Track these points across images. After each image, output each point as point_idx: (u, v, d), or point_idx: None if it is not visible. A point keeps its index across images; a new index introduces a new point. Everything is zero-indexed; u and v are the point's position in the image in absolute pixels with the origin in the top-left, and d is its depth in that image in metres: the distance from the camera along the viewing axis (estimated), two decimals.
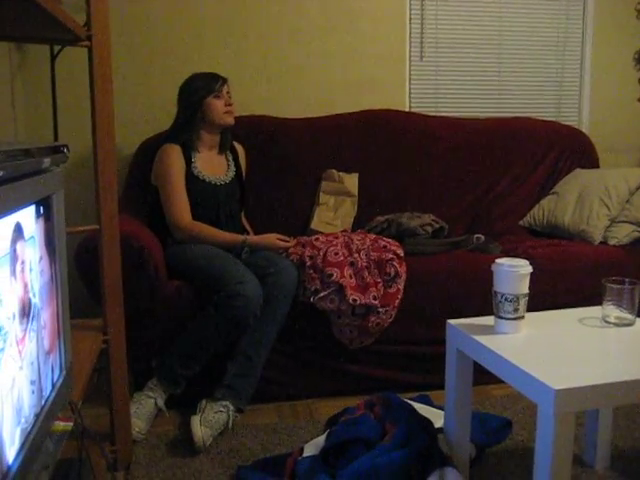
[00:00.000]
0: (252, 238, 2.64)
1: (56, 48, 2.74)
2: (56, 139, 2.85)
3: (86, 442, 1.35)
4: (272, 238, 2.60)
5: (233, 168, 2.81)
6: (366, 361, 2.58)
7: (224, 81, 2.71)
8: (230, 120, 2.71)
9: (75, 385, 1.44)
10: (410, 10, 3.50)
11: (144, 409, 2.28)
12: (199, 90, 2.66)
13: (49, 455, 1.09)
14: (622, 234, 2.97)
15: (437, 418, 2.08)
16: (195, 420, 2.20)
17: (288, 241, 2.61)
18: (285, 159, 3.14)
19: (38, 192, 1.07)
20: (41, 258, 1.10)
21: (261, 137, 3.12)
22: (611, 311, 1.87)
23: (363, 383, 2.58)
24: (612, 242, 2.96)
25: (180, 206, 2.57)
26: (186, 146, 2.66)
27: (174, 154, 2.62)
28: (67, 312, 1.28)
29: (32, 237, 1.05)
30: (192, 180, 2.64)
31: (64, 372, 1.25)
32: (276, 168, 3.13)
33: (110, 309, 1.93)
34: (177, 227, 2.55)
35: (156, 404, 2.31)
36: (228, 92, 2.72)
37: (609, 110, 3.82)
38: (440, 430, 1.99)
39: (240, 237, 2.60)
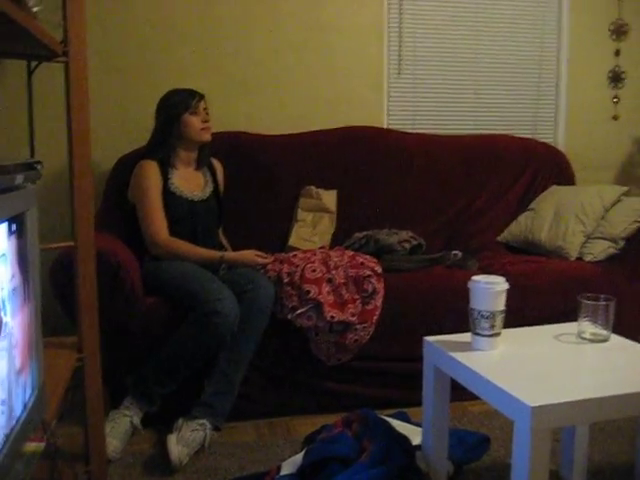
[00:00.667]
0: (230, 254, 2.63)
1: (33, 64, 2.73)
2: (32, 155, 2.83)
3: (59, 462, 1.33)
4: (250, 254, 2.59)
5: (211, 184, 2.81)
6: (344, 378, 2.57)
7: (201, 97, 2.71)
8: (207, 137, 2.71)
9: (48, 404, 1.41)
10: (388, 26, 3.53)
11: (120, 428, 2.25)
12: (176, 106, 2.66)
13: (19, 477, 1.07)
14: (597, 250, 3.00)
15: (415, 435, 2.08)
16: (171, 439, 2.17)
17: (266, 257, 2.60)
18: (263, 175, 3.14)
19: (10, 209, 1.06)
20: (13, 276, 1.09)
21: (239, 153, 3.12)
22: (586, 327, 1.88)
23: (341, 400, 2.57)
24: (588, 258, 2.99)
25: (157, 222, 2.56)
26: (163, 162, 2.65)
27: (151, 170, 2.62)
28: (40, 330, 1.27)
29: (4, 255, 1.03)
30: (169, 197, 2.63)
31: (36, 391, 1.23)
32: (254, 184, 3.12)
33: (85, 327, 1.90)
34: (154, 243, 2.54)
35: (132, 422, 2.28)
36: (205, 108, 2.72)
37: (584, 128, 3.87)
38: (418, 447, 1.99)
39: (218, 253, 2.59)
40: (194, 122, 2.67)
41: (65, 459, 1.44)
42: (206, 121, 2.70)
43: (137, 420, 2.30)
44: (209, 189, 2.79)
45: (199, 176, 2.79)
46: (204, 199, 2.74)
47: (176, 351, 2.30)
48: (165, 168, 2.65)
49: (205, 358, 2.33)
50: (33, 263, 1.21)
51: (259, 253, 2.60)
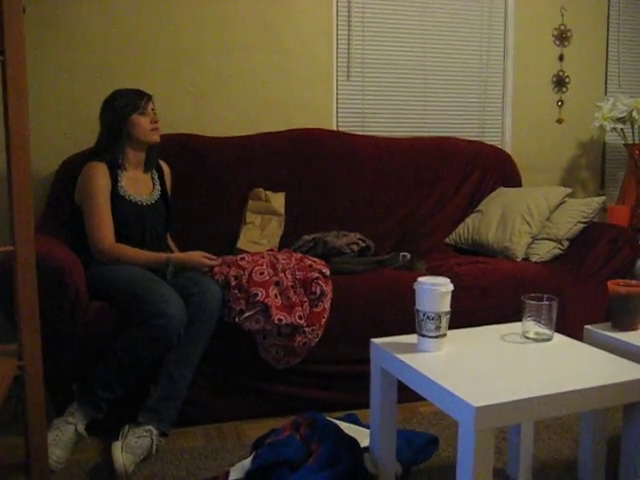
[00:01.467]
0: (176, 255, 2.60)
1: None
2: None
3: None
4: (197, 256, 2.55)
5: (158, 187, 2.77)
6: (293, 381, 2.56)
7: (149, 98, 2.67)
8: (156, 137, 2.67)
9: None
10: (337, 30, 3.54)
11: (63, 436, 2.19)
12: (123, 107, 2.60)
13: None
14: (543, 251, 3.06)
15: (364, 437, 2.08)
16: (116, 446, 2.13)
17: (213, 259, 2.57)
18: (212, 178, 3.12)
19: None
20: None
21: (188, 156, 3.08)
22: (530, 327, 1.91)
23: (290, 403, 2.56)
24: (534, 259, 3.05)
25: (103, 229, 2.51)
26: (112, 164, 2.60)
27: (99, 172, 2.56)
28: None
29: None
30: (117, 200, 2.58)
31: None
32: (203, 187, 3.09)
33: (26, 333, 1.85)
34: (99, 251, 2.49)
35: (76, 430, 2.23)
36: (153, 109, 2.68)
37: (530, 131, 3.95)
38: (366, 449, 1.99)
39: (164, 255, 2.55)
40: (143, 122, 2.63)
41: (4, 471, 1.40)
42: (155, 121, 2.67)
43: (82, 427, 2.24)
44: (157, 192, 2.75)
45: (147, 179, 2.74)
46: (152, 203, 2.70)
47: (122, 355, 2.25)
48: (114, 170, 2.60)
49: (152, 361, 2.28)
50: None
51: (206, 255, 2.57)
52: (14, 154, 1.77)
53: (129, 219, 2.60)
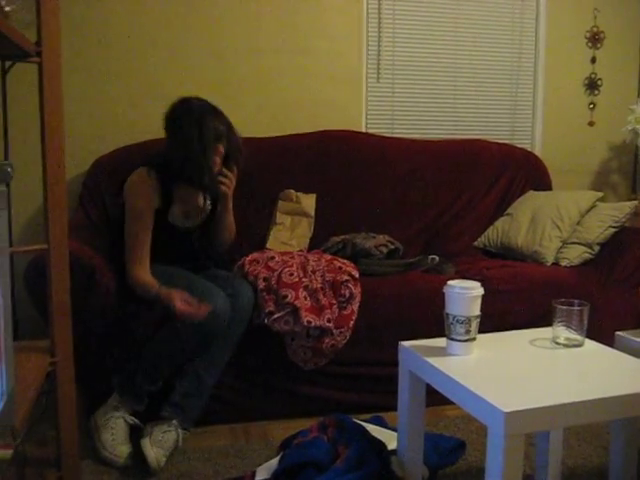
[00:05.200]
0: (162, 291, 2.29)
1: (7, 64, 2.70)
2: (6, 156, 2.80)
3: (28, 470, 1.31)
4: (177, 297, 2.24)
5: (209, 199, 2.60)
6: (320, 383, 2.56)
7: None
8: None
9: (18, 410, 1.39)
10: (367, 31, 3.54)
11: (119, 431, 2.23)
12: (210, 130, 2.36)
13: None
14: (573, 255, 3.03)
15: (391, 440, 2.08)
16: (145, 442, 2.15)
17: (191, 305, 2.21)
18: (242, 179, 3.12)
19: None
20: None
21: None
22: (561, 332, 1.89)
23: (317, 405, 2.56)
24: (564, 263, 3.01)
25: (141, 262, 2.35)
26: (170, 183, 2.41)
27: (151, 190, 2.37)
28: (10, 334, 1.25)
29: None
30: (164, 224, 2.43)
31: (5, 397, 1.21)
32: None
33: (58, 330, 1.88)
34: (130, 275, 2.35)
35: (126, 421, 2.26)
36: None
37: (561, 133, 3.92)
38: (393, 452, 1.99)
39: (155, 288, 2.30)
40: (214, 160, 2.41)
41: (36, 465, 1.42)
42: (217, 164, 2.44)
43: (130, 418, 2.27)
44: (208, 205, 2.59)
45: (198, 193, 2.54)
46: (200, 224, 2.58)
47: (166, 346, 2.27)
48: (169, 189, 2.42)
49: (194, 354, 2.29)
50: (2, 266, 1.19)
51: (187, 298, 2.24)
52: (49, 153, 1.80)
53: (176, 240, 2.50)
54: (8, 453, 1.18)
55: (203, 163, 2.36)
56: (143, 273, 2.34)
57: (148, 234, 2.37)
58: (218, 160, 2.43)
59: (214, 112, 2.42)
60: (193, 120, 2.35)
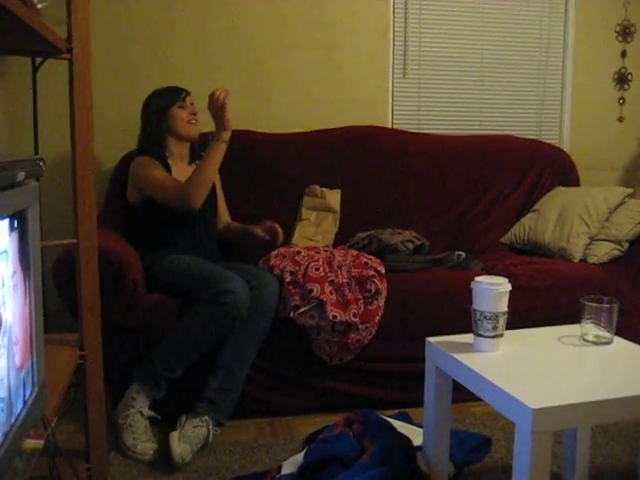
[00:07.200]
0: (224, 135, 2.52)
1: (38, 60, 2.74)
2: (37, 151, 2.84)
3: (58, 460, 1.33)
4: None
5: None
6: (346, 378, 2.56)
7: (187, 93, 2.72)
8: (194, 132, 2.71)
9: (49, 401, 1.41)
10: (394, 27, 3.53)
11: (141, 427, 2.25)
12: (162, 101, 2.67)
13: (19, 474, 1.07)
14: (601, 252, 2.99)
15: (416, 436, 2.07)
16: (174, 436, 2.17)
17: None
18: (266, 174, 3.14)
19: (12, 206, 1.06)
20: (14, 272, 1.09)
21: (242, 152, 3.10)
22: (589, 329, 1.87)
23: (343, 400, 2.57)
24: (592, 260, 2.98)
25: (173, 186, 2.51)
26: (159, 158, 2.63)
27: (153, 162, 2.60)
28: (41, 327, 1.26)
29: (5, 251, 1.03)
30: (170, 212, 2.57)
31: (37, 388, 1.23)
32: (257, 183, 3.12)
33: (87, 324, 1.90)
34: (188, 202, 2.47)
35: (143, 415, 2.27)
36: (192, 103, 2.72)
37: (589, 129, 3.87)
38: (419, 448, 1.98)
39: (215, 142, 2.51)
40: (181, 114, 2.66)
41: (65, 456, 1.44)
42: (193, 113, 2.70)
43: (147, 410, 2.28)
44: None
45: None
46: (203, 217, 2.71)
47: (187, 333, 2.29)
48: (164, 163, 2.63)
49: (215, 341, 2.31)
50: (34, 260, 1.21)
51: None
52: (78, 149, 1.82)
53: (183, 229, 2.65)
54: (40, 443, 1.20)
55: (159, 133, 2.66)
56: (189, 189, 2.46)
57: (173, 178, 2.57)
58: (187, 112, 2.69)
59: (167, 89, 2.73)
60: (152, 105, 2.69)
